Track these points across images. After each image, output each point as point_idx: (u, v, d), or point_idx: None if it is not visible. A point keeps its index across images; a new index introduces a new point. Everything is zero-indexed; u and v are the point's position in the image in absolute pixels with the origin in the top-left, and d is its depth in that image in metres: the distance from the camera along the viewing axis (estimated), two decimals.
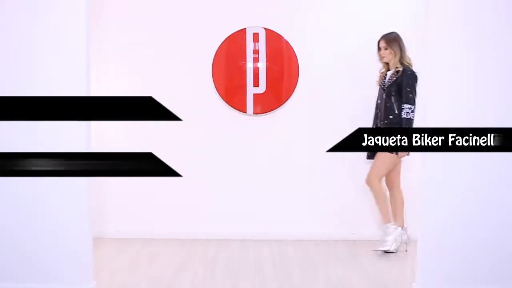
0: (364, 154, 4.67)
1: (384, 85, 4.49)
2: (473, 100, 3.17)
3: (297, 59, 4.80)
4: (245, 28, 4.77)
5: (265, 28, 4.77)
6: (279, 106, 4.83)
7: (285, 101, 4.82)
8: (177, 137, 4.85)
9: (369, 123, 4.84)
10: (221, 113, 4.83)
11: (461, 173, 3.19)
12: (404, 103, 4.33)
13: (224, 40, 4.77)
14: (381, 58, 4.51)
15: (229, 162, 4.85)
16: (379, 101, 4.52)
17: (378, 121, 4.52)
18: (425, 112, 3.21)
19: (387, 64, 4.51)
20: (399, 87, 4.36)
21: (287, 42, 4.79)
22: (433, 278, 3.25)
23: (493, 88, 3.16)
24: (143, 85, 4.84)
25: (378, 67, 4.81)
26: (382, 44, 4.47)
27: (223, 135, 4.82)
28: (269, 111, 4.83)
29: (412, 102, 4.31)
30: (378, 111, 4.54)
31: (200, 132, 4.84)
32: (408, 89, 4.32)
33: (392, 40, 4.44)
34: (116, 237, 4.84)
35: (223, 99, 4.80)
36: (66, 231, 3.23)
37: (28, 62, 3.17)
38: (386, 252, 4.41)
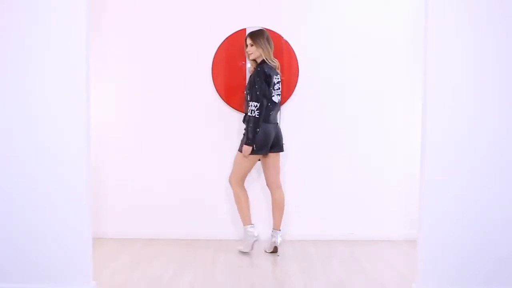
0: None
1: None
2: (473, 100, 3.17)
3: (296, 59, 4.79)
4: (245, 28, 4.76)
5: (264, 28, 4.76)
6: None
7: (285, 101, 4.82)
8: (177, 137, 4.85)
9: (369, 123, 4.85)
10: (221, 113, 4.83)
11: (461, 173, 3.19)
12: (250, 101, 4.29)
13: (224, 40, 4.77)
14: (248, 55, 4.44)
15: (229, 163, 4.83)
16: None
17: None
18: (425, 113, 3.21)
19: (255, 61, 4.43)
20: (251, 84, 4.31)
21: (286, 42, 4.79)
22: (433, 278, 3.26)
23: (494, 88, 3.16)
24: (143, 85, 4.85)
25: (379, 66, 4.82)
26: (249, 41, 4.40)
27: (223, 135, 4.82)
28: None
29: (256, 99, 4.25)
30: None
31: (200, 132, 4.83)
32: (256, 86, 4.27)
33: (258, 36, 4.38)
34: (116, 237, 4.83)
35: (223, 99, 4.80)
36: (66, 231, 3.24)
37: (28, 63, 3.17)
38: (241, 252, 4.43)
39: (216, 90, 4.80)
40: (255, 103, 4.25)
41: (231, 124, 4.82)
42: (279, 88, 4.41)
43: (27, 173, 3.21)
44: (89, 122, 3.23)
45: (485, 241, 3.22)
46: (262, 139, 4.31)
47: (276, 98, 4.39)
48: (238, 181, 4.45)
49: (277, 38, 4.77)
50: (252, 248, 4.41)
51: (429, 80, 3.18)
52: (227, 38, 4.77)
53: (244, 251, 4.41)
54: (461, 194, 3.21)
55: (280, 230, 4.49)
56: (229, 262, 4.26)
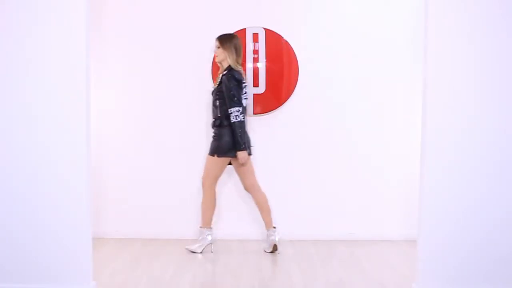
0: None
1: (213, 88, 4.48)
2: (473, 101, 3.17)
3: (296, 59, 4.79)
4: (244, 28, 4.77)
5: (264, 28, 4.77)
6: (279, 106, 4.82)
7: (285, 101, 4.82)
8: (177, 137, 4.85)
9: (369, 123, 4.85)
10: None
11: (461, 173, 3.19)
12: (230, 107, 4.27)
13: None
14: (214, 57, 4.48)
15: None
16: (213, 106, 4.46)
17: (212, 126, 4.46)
18: (425, 113, 3.21)
19: (221, 64, 4.45)
20: (224, 91, 4.31)
21: (286, 42, 4.79)
22: (433, 278, 3.25)
23: (494, 88, 3.16)
24: (143, 85, 4.85)
25: (379, 66, 4.82)
26: (216, 43, 4.42)
27: None
28: (269, 111, 4.83)
29: (237, 104, 4.27)
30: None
31: (200, 132, 4.83)
32: (232, 92, 4.28)
33: (225, 40, 4.39)
34: (116, 237, 4.83)
35: None
36: (66, 231, 3.23)
37: (28, 63, 3.16)
38: (192, 252, 4.43)
39: None
40: (237, 108, 4.27)
41: None
42: (246, 92, 4.44)
43: (27, 173, 3.20)
44: (89, 122, 3.23)
45: (485, 241, 3.21)
46: (231, 141, 4.31)
47: (244, 102, 4.42)
48: (211, 184, 4.46)
49: (277, 38, 4.77)
50: (202, 251, 4.42)
51: (429, 80, 3.17)
52: None
53: (195, 251, 4.41)
54: (461, 194, 3.20)
55: (275, 227, 4.49)
56: (229, 262, 4.25)
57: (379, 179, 4.87)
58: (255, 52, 4.79)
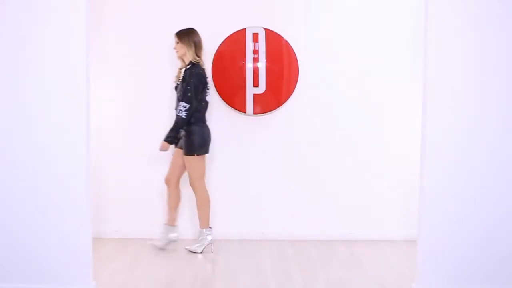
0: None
1: (177, 84, 4.47)
2: (473, 101, 3.17)
3: (296, 59, 4.79)
4: (245, 28, 4.76)
5: (265, 28, 4.77)
6: (279, 106, 4.82)
7: (285, 101, 4.82)
8: None
9: (369, 123, 4.85)
10: (221, 114, 4.82)
11: (461, 173, 3.19)
12: (181, 101, 4.29)
13: (224, 40, 4.76)
14: (175, 52, 4.48)
15: (228, 162, 4.85)
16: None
17: None
18: (425, 113, 3.21)
19: (183, 61, 4.45)
20: (184, 85, 4.32)
21: (287, 42, 4.79)
22: (433, 278, 3.25)
23: (494, 88, 3.16)
24: (143, 85, 4.84)
25: (379, 67, 4.81)
26: (175, 38, 4.43)
27: (222, 136, 4.81)
28: (269, 111, 4.83)
29: (187, 101, 4.26)
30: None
31: None
32: (189, 87, 4.28)
33: (183, 35, 4.39)
34: (116, 237, 4.83)
35: (223, 100, 4.80)
36: (66, 231, 3.24)
37: (28, 63, 3.17)
38: (192, 252, 4.43)
39: (216, 90, 4.80)
40: (185, 104, 4.26)
41: (231, 124, 4.82)
42: (209, 89, 4.46)
43: (27, 173, 3.20)
44: (89, 122, 3.23)
45: (485, 241, 3.22)
46: (203, 138, 4.36)
47: (209, 98, 4.46)
48: (200, 183, 4.46)
49: (277, 38, 4.77)
50: (202, 251, 4.41)
51: (429, 80, 3.17)
52: (227, 38, 4.77)
53: (195, 251, 4.41)
54: (461, 194, 3.21)
55: (176, 225, 4.57)
56: (229, 262, 4.25)
57: (379, 179, 4.87)
58: (255, 52, 4.79)
